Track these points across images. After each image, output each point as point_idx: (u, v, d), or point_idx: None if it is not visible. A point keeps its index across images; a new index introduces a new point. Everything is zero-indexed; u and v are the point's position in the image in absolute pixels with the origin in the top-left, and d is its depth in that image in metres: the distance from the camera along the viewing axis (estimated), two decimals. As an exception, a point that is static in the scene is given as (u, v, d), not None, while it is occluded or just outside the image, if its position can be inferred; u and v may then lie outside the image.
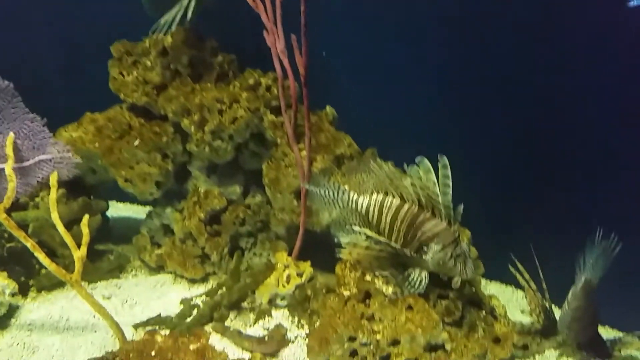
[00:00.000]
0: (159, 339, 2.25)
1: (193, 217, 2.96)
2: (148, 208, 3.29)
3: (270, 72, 3.00)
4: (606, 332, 2.32)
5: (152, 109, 3.10)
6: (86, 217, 2.38)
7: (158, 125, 3.06)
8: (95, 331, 2.61)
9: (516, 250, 2.15)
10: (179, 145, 3.03)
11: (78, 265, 2.32)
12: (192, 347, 2.19)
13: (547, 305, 2.08)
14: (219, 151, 2.93)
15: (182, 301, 2.81)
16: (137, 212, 3.84)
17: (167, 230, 3.13)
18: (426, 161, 2.16)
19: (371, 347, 2.18)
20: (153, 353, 2.17)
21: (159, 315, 2.67)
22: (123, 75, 3.12)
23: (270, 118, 2.94)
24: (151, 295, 2.93)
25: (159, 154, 3.03)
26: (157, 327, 2.61)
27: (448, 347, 2.13)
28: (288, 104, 2.82)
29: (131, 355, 2.15)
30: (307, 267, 2.80)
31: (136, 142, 3.04)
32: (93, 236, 3.16)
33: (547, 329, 2.11)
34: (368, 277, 2.35)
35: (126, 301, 2.88)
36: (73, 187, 3.05)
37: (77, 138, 3.04)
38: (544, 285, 2.06)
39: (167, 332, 2.41)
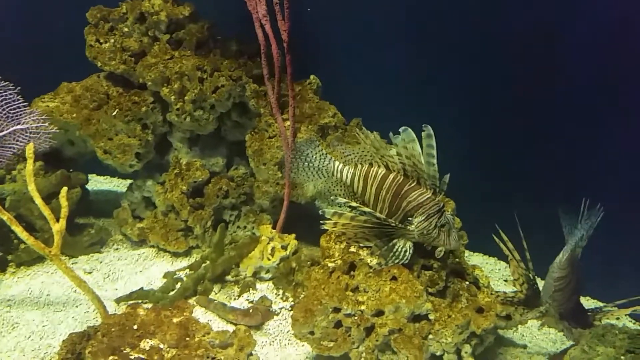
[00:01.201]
0: (141, 312, 2.26)
1: (175, 189, 2.94)
2: (129, 181, 3.27)
3: (253, 39, 2.94)
4: (587, 303, 2.38)
5: (131, 77, 3.05)
6: (64, 190, 2.35)
7: (137, 95, 3.01)
8: (77, 306, 2.61)
9: (500, 222, 2.17)
10: (159, 115, 2.99)
11: (57, 239, 2.30)
12: (175, 320, 2.20)
13: (531, 275, 2.12)
14: (201, 121, 2.89)
15: (165, 275, 2.81)
16: (119, 185, 3.81)
17: (149, 203, 3.12)
18: (410, 131, 2.15)
19: (355, 318, 2.21)
20: (135, 327, 2.19)
21: (142, 288, 2.68)
22: (100, 43, 3.05)
23: (253, 87, 2.91)
24: (133, 269, 2.93)
25: (139, 125, 2.99)
26: (140, 301, 2.62)
27: (432, 317, 2.16)
28: (271, 73, 2.78)
29: (113, 329, 2.16)
30: (291, 240, 2.81)
31: (114, 112, 2.99)
32: (73, 210, 3.14)
33: (530, 299, 2.15)
34: (353, 249, 2.36)
35: (108, 275, 2.88)
36: (51, 160, 3.02)
37: (53, 108, 2.99)
38: (528, 256, 2.09)
39: (150, 305, 2.42)
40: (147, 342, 2.13)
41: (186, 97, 2.85)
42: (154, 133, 3.02)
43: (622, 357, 1.91)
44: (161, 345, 2.12)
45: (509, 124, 2.83)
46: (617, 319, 2.36)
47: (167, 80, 2.91)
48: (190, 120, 2.88)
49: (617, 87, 2.56)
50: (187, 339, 2.14)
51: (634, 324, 2.66)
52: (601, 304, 2.18)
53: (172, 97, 2.87)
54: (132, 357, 2.08)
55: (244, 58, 2.94)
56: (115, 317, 2.23)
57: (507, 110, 2.81)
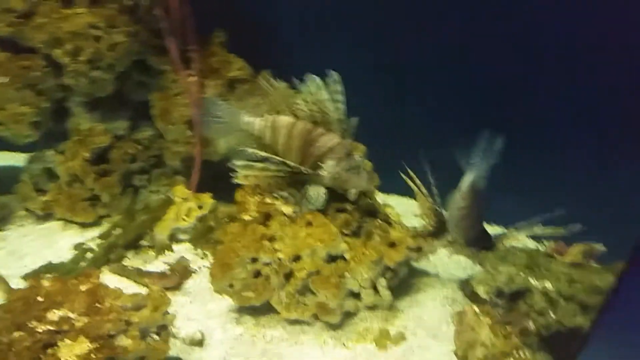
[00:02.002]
0: (46, 283, 2.15)
1: (76, 157, 2.79)
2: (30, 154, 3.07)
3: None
4: (492, 230, 2.54)
5: (19, 40, 2.83)
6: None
7: (27, 59, 2.80)
8: (-22, 286, 2.45)
9: (409, 161, 2.25)
10: (53, 79, 2.80)
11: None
12: (83, 287, 2.12)
13: (437, 208, 2.22)
14: (99, 82, 2.74)
15: (75, 246, 2.70)
16: (19, 160, 3.57)
17: (51, 175, 2.94)
18: (316, 77, 2.17)
19: (274, 265, 2.23)
20: (41, 299, 2.09)
21: (50, 262, 2.56)
22: (-21, 5, 2.80)
23: (154, 43, 2.78)
24: (41, 244, 2.78)
25: (32, 91, 2.79)
26: (50, 275, 2.50)
27: (347, 256, 2.22)
28: (172, 27, 2.67)
29: (16, 304, 2.05)
30: (207, 199, 2.77)
31: (3, 79, 2.78)
32: (-33, 188, 2.94)
33: (438, 230, 2.25)
34: (268, 200, 2.37)
35: (14, 253, 2.72)
36: None
37: None
38: (435, 190, 2.18)
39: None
40: (55, 313, 2.03)
41: (81, 58, 2.69)
42: (50, 99, 2.83)
43: (522, 273, 2.07)
44: (70, 315, 2.04)
45: (417, 65, 2.89)
46: (518, 240, 2.53)
47: (60, 41, 2.72)
48: (88, 82, 2.72)
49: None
50: (97, 305, 2.07)
51: (535, 245, 2.87)
52: (505, 229, 2.33)
53: (66, 58, 2.70)
54: (39, 330, 1.99)
55: (142, 11, 2.79)
56: (18, 291, 2.11)
57: (414, 48, 2.86)
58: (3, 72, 2.79)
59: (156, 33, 2.80)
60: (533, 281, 2.04)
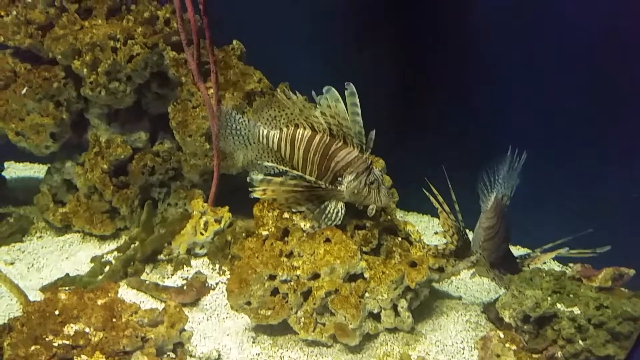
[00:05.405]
0: (62, 297, 2.23)
1: (95, 169, 2.88)
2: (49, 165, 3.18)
3: (168, 4, 2.90)
4: (516, 251, 2.52)
5: (39, 52, 2.95)
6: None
7: (47, 70, 2.91)
8: (-2, 299, 2.56)
9: (431, 177, 2.26)
10: (73, 90, 2.91)
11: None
12: (99, 302, 2.19)
13: (460, 226, 2.22)
14: (117, 94, 2.84)
15: (93, 259, 2.78)
16: (39, 171, 3.71)
17: (70, 186, 3.05)
18: (334, 90, 2.19)
19: (292, 283, 2.26)
20: (57, 312, 2.16)
21: (67, 275, 2.65)
22: (1, 16, 2.92)
23: (172, 55, 2.86)
24: (59, 257, 2.89)
25: (51, 102, 2.90)
26: (67, 288, 2.59)
27: (367, 275, 2.24)
28: (190, 39, 2.75)
29: (33, 317, 2.14)
30: (225, 213, 2.82)
31: (24, 91, 2.90)
32: (-12, 199, 3.06)
33: (461, 250, 2.25)
34: (286, 215, 2.40)
35: (32, 265, 2.83)
36: (-42, 148, 2.91)
37: (-45, 92, 2.87)
38: (457, 207, 2.19)
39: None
40: (71, 327, 2.11)
41: (99, 69, 2.78)
42: (69, 110, 2.94)
43: (549, 298, 2.05)
44: (87, 329, 2.11)
45: (437, 80, 2.91)
46: (544, 263, 2.51)
47: (78, 52, 2.83)
48: (106, 94, 2.82)
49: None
50: (114, 320, 2.13)
51: (559, 266, 2.84)
52: (529, 251, 2.31)
53: (85, 69, 2.80)
54: (56, 345, 2.06)
55: (160, 24, 2.88)
56: (35, 304, 2.19)
57: (434, 67, 2.89)
58: (23, 83, 2.91)
59: (175, 45, 2.88)
60: (560, 306, 2.01)
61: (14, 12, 2.92)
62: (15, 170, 3.73)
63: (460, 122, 2.92)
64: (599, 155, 2.63)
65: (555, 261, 2.81)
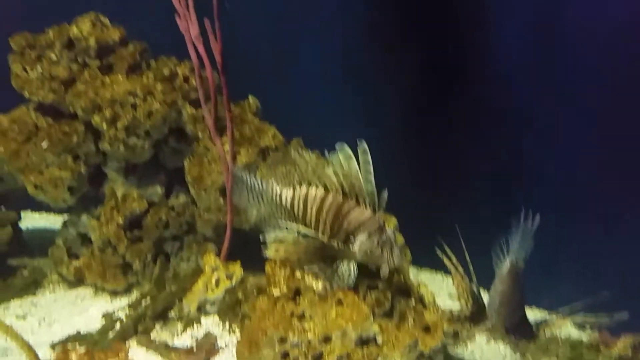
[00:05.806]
0: (73, 357, 2.23)
1: (111, 223, 2.92)
2: (66, 217, 3.23)
3: (187, 61, 2.98)
4: (532, 313, 2.45)
5: (61, 106, 3.04)
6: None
7: (67, 124, 3.00)
8: (7, 355, 2.54)
9: (444, 237, 2.24)
10: (92, 145, 2.98)
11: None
12: (109, 363, 2.18)
13: (475, 289, 2.18)
14: (135, 149, 2.90)
15: (104, 315, 2.77)
16: (54, 222, 3.75)
17: (85, 239, 3.08)
18: (346, 148, 2.20)
19: (302, 347, 2.22)
20: (67, 373, 2.15)
21: (78, 332, 2.64)
22: (26, 71, 3.04)
23: (190, 111, 2.93)
24: (71, 312, 2.88)
25: (70, 156, 2.97)
26: (77, 345, 2.58)
27: (379, 339, 2.19)
28: (207, 95, 2.81)
29: (42, 377, 2.13)
30: (237, 269, 2.81)
31: (44, 144, 2.97)
32: (4, 251, 3.10)
33: (476, 314, 2.20)
34: (298, 274, 2.39)
35: (44, 319, 2.83)
36: (-22, 198, 2.97)
37: (-21, 143, 2.95)
38: (471, 269, 2.15)
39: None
40: (80, 390, 2.10)
41: (119, 124, 2.86)
42: (87, 164, 3.01)
43: (567, 367, 1.99)
44: (94, 392, 2.10)
45: (449, 138, 2.92)
46: (559, 327, 2.43)
47: (99, 107, 2.91)
48: (125, 149, 2.88)
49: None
50: (122, 382, 2.12)
51: (577, 329, 2.75)
52: (546, 314, 2.25)
53: (104, 124, 2.88)
54: (63, 407, 2.05)
55: (179, 81, 2.96)
56: (46, 365, 2.19)
57: (445, 125, 2.91)
58: (44, 137, 2.99)
59: (193, 102, 2.95)
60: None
61: (39, 68, 3.03)
62: (31, 220, 3.79)
63: (475, 181, 2.91)
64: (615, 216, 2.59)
65: (573, 324, 2.73)
